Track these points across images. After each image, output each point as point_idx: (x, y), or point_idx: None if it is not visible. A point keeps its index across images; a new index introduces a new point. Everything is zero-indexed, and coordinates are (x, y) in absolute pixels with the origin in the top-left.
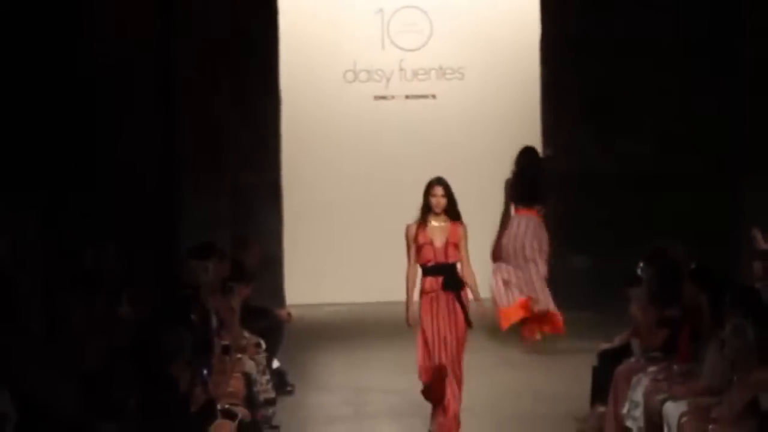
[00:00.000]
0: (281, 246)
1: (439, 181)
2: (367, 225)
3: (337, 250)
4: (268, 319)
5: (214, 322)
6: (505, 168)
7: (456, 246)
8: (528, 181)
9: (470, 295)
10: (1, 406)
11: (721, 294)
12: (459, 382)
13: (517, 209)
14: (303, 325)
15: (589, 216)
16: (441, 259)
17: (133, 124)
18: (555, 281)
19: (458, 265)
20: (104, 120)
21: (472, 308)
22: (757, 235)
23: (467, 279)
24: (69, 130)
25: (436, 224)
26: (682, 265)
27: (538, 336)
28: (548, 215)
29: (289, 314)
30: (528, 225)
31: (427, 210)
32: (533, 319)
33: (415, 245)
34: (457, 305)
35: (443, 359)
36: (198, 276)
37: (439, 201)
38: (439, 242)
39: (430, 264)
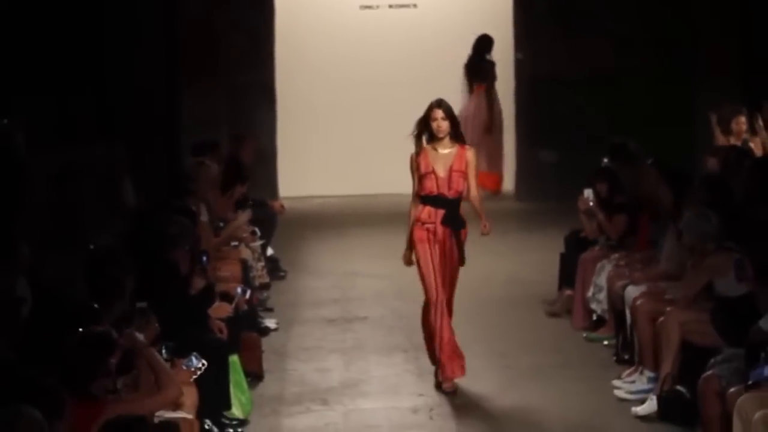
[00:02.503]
0: (275, 142)
1: (439, 104)
2: (353, 123)
3: (327, 147)
4: (263, 210)
5: (204, 212)
6: None
7: (462, 174)
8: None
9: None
10: (19, 291)
11: (679, 184)
12: (449, 321)
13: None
14: (295, 215)
15: (556, 114)
16: (444, 191)
17: (139, 32)
18: (524, 174)
19: (461, 200)
20: (113, 29)
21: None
22: (713, 119)
23: (474, 202)
24: (82, 38)
25: (441, 151)
26: (640, 157)
27: None
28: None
29: (282, 206)
30: (481, 98)
31: (429, 136)
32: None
33: (417, 174)
34: (454, 243)
35: (437, 295)
36: (198, 170)
37: (440, 124)
38: (442, 172)
39: (431, 195)
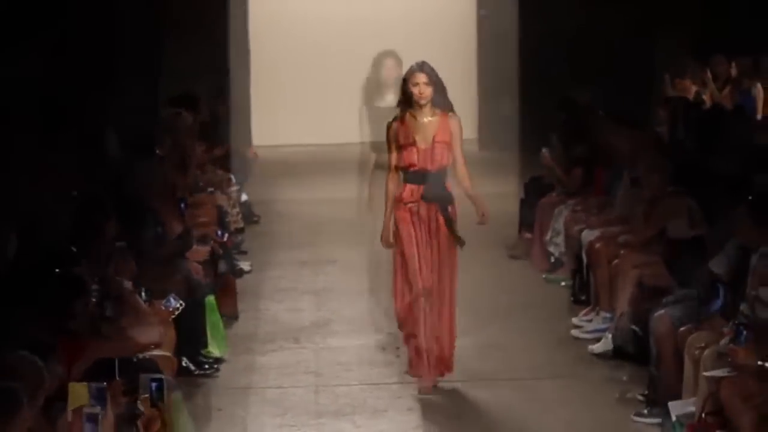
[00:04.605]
0: (249, 93)
1: (420, 67)
2: (324, 75)
3: (298, 97)
4: (237, 158)
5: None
6: (443, 30)
7: (446, 145)
8: None
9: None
10: (5, 234)
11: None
12: (450, 315)
13: None
14: (268, 163)
15: (517, 66)
16: (426, 164)
17: None
18: (486, 124)
19: (447, 172)
20: None
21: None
22: (666, 78)
23: (461, 180)
24: None
25: (421, 120)
26: (592, 109)
27: None
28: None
29: (255, 154)
30: None
31: (408, 103)
32: None
33: (396, 145)
34: (441, 220)
35: (422, 283)
36: (175, 120)
37: (423, 90)
38: (423, 143)
39: (412, 170)
